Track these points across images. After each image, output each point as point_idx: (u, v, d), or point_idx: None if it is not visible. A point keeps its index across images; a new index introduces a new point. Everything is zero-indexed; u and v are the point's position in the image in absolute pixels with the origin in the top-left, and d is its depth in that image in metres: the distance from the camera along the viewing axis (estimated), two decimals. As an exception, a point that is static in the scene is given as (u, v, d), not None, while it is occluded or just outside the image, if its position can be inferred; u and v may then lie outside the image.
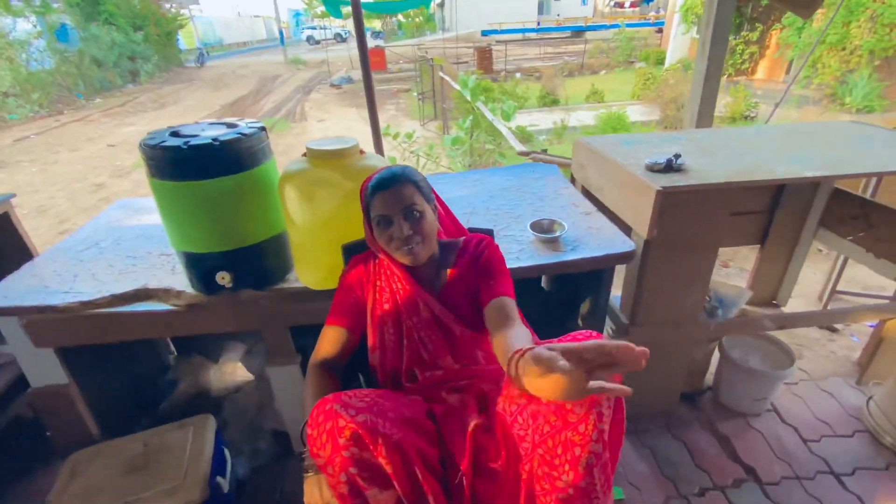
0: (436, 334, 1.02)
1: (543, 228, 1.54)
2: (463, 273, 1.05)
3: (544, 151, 3.83)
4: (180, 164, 1.03)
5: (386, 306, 1.03)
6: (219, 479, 1.46)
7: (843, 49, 8.52)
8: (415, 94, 11.52)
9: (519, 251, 1.45)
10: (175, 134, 1.12)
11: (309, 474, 0.88)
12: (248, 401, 2.04)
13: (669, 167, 1.48)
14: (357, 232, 1.12)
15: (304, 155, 1.18)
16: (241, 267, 1.26)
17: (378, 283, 1.05)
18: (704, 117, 2.56)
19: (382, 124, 3.11)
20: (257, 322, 1.44)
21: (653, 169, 1.50)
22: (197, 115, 11.48)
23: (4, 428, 1.81)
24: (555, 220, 1.56)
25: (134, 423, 1.82)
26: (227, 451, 1.60)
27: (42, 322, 1.37)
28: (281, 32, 28.89)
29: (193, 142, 1.05)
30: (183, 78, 19.75)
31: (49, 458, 1.77)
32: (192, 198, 1.07)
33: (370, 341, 1.05)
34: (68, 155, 8.45)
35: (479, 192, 1.93)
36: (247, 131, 1.14)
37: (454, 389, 0.99)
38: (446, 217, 1.18)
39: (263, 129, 1.21)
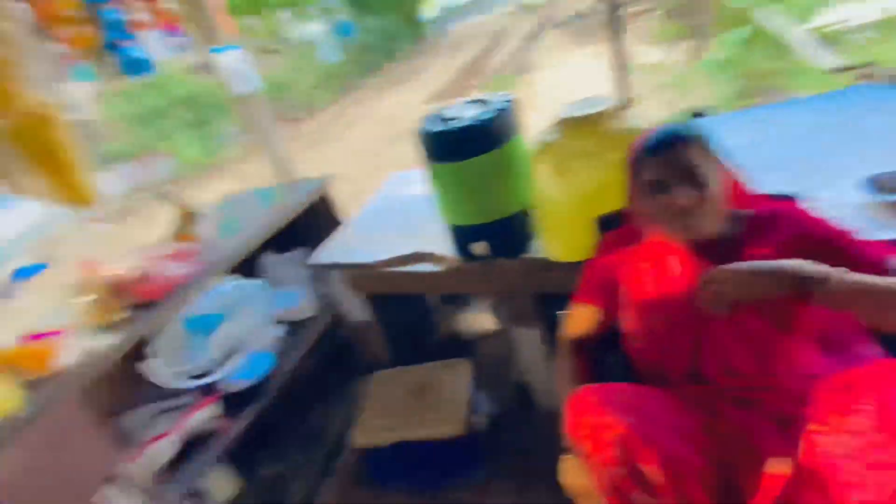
0: (728, 330, 0.83)
1: (890, 187, 1.09)
2: (772, 255, 0.79)
3: (870, 65, 2.65)
4: (447, 146, 1.14)
5: (652, 291, 0.92)
6: (475, 416, 1.68)
7: None
8: (659, 12, 9.81)
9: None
10: (442, 119, 1.23)
11: (569, 457, 0.89)
12: (496, 350, 2.25)
13: None
14: (614, 204, 1.02)
15: (557, 124, 1.13)
16: (495, 237, 1.34)
17: (641, 264, 0.94)
18: None
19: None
20: (506, 287, 1.54)
21: None
22: (441, 79, 12.72)
23: (331, 350, 2.49)
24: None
25: (411, 355, 2.26)
26: (481, 394, 1.82)
27: (355, 275, 1.79)
28: (510, -20, 28.64)
29: (456, 125, 1.13)
30: (428, 50, 22.01)
31: (358, 374, 2.37)
32: (457, 176, 1.18)
33: (629, 326, 0.97)
34: (353, 131, 10.67)
35: (769, 139, 1.49)
36: (501, 106, 1.15)
37: (742, 402, 0.80)
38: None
39: (511, 101, 1.20)
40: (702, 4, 7.29)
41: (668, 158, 0.81)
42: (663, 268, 0.90)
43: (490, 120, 1.13)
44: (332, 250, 1.86)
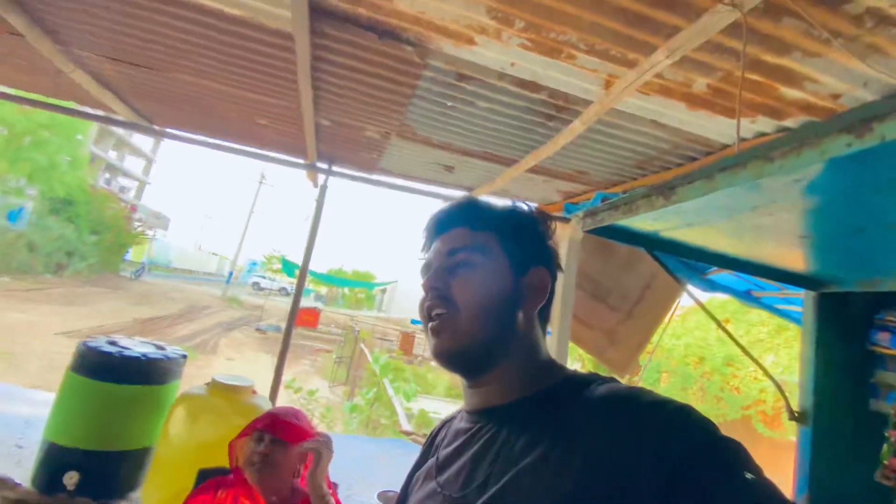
0: None
1: (387, 500, 1.75)
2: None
3: (424, 435, 4.14)
4: (107, 368, 1.31)
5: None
6: None
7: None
8: (334, 357, 12.05)
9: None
10: (112, 343, 1.44)
11: None
12: None
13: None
14: (222, 461, 1.33)
15: (207, 384, 1.49)
16: (93, 471, 1.34)
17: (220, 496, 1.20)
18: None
19: (290, 376, 3.40)
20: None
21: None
22: (104, 321, 11.06)
23: None
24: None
25: None
26: None
27: None
28: (230, 273, 31.08)
29: (126, 353, 1.37)
30: (110, 284, 19.66)
31: None
32: (100, 396, 1.29)
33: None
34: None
35: (348, 456, 2.15)
36: (171, 356, 1.48)
37: None
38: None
39: (185, 356, 1.55)
40: (361, 362, 9.55)
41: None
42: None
43: (158, 360, 1.42)
44: None
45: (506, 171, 2.50)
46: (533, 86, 1.57)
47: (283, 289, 37.48)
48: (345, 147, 2.56)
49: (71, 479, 1.35)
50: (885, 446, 1.12)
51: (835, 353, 1.25)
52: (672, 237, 1.14)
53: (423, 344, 19.36)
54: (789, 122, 1.55)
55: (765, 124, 1.58)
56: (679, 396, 10.26)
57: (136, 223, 26.23)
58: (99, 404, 1.27)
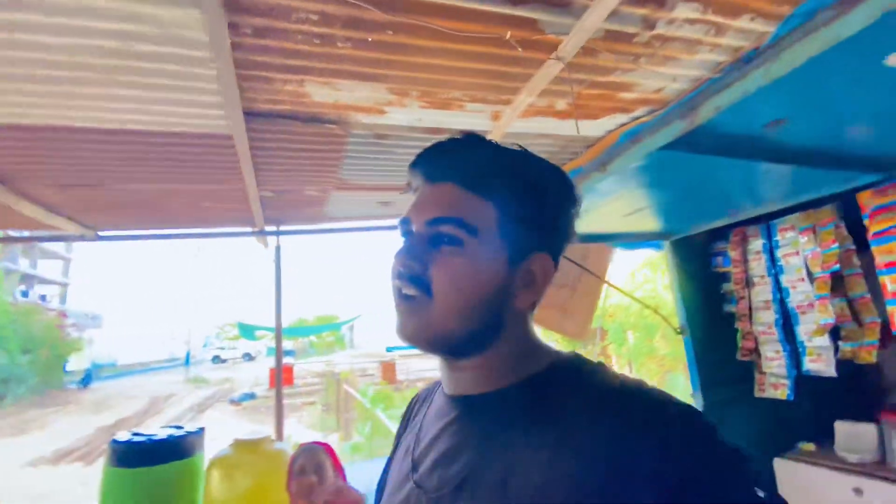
0: None
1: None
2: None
3: None
4: (144, 454, 1.50)
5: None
6: None
7: (655, 356, 11.31)
8: (319, 406, 11.88)
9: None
10: (137, 434, 1.62)
11: None
12: None
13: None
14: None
15: (230, 445, 1.70)
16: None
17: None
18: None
19: (285, 436, 3.55)
20: None
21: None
22: (68, 439, 10.31)
23: None
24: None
25: None
26: None
27: None
28: (188, 353, 29.46)
29: (155, 437, 1.56)
30: (59, 401, 18.15)
31: None
32: (143, 481, 1.47)
33: None
34: None
35: (362, 478, 2.37)
36: (193, 431, 1.68)
37: None
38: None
39: (203, 428, 1.75)
40: (348, 403, 9.55)
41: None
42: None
43: (184, 436, 1.62)
44: None
45: (437, 195, 2.85)
46: (439, 130, 1.93)
47: (246, 354, 35.83)
48: (290, 208, 2.81)
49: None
50: (738, 335, 1.56)
51: (692, 279, 1.70)
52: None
53: (406, 369, 19.35)
54: (638, 112, 2.01)
55: (620, 118, 2.03)
56: (646, 347, 11.06)
57: (70, 329, 24.33)
58: (144, 489, 1.46)
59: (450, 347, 0.53)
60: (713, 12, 1.36)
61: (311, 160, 2.06)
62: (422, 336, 0.52)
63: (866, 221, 1.29)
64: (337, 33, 1.26)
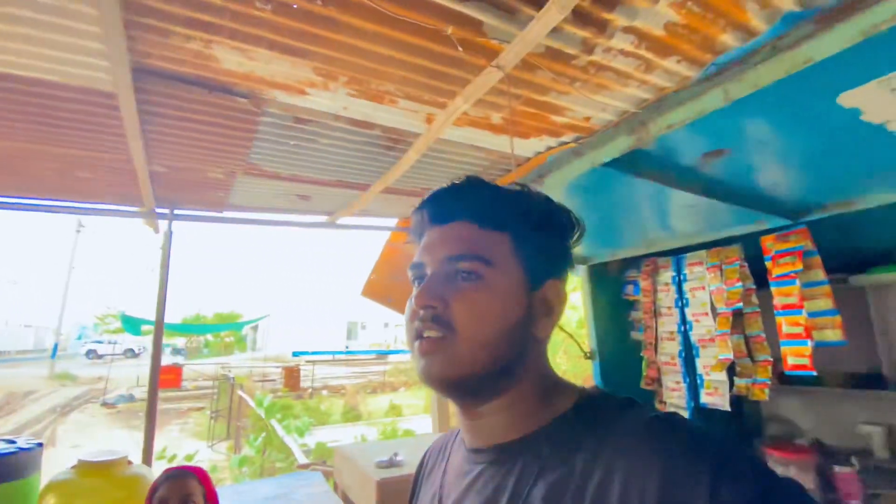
0: None
1: None
2: None
3: (324, 462, 4.09)
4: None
5: None
6: None
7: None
8: (208, 412, 10.82)
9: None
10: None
11: None
12: None
13: (391, 463, 2.04)
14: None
15: (73, 466, 1.39)
16: None
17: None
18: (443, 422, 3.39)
19: (159, 446, 3.11)
20: None
21: (380, 466, 2.04)
22: None
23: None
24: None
25: None
26: None
27: None
28: (56, 344, 25.45)
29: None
30: None
31: None
32: None
33: None
34: None
35: (244, 502, 2.11)
36: (26, 447, 1.34)
37: None
38: None
39: (41, 444, 1.41)
40: (242, 411, 8.78)
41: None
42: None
43: (11, 454, 1.29)
44: None
45: (361, 195, 2.69)
46: (366, 124, 1.79)
47: (129, 350, 31.95)
48: (187, 189, 2.48)
49: None
50: (643, 363, 1.62)
51: (604, 305, 1.75)
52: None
53: (311, 376, 18.44)
54: (565, 138, 2.04)
55: (549, 141, 2.04)
56: (580, 363, 11.59)
57: None
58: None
59: (477, 384, 0.49)
60: (646, 48, 1.40)
61: (215, 136, 1.81)
62: (449, 374, 0.48)
63: (768, 264, 1.39)
64: (256, -9, 1.09)
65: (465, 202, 0.53)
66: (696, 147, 0.93)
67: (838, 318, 1.28)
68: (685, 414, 1.45)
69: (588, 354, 1.68)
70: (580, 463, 0.44)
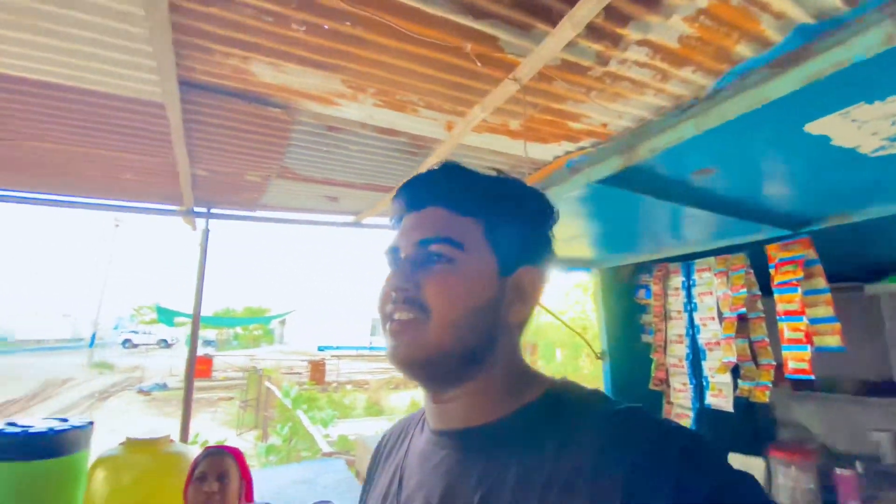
0: None
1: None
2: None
3: (347, 452, 4.26)
4: (15, 447, 1.31)
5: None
6: None
7: (579, 375, 11.88)
8: (237, 402, 11.23)
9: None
10: (12, 424, 1.41)
11: None
12: None
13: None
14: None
15: (121, 443, 1.53)
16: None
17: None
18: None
19: (191, 433, 3.30)
20: None
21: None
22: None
23: None
24: (331, 501, 1.97)
25: None
26: None
27: None
28: (94, 333, 26.74)
29: (31, 430, 1.37)
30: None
31: None
32: (12, 477, 1.28)
33: None
34: None
35: (273, 485, 2.25)
36: (77, 424, 1.50)
37: None
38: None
39: (92, 423, 1.57)
40: (269, 401, 9.09)
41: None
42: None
43: (65, 431, 1.44)
44: None
45: (387, 196, 2.80)
46: (392, 132, 1.89)
47: (163, 341, 33.26)
48: (224, 191, 2.63)
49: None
50: (652, 365, 1.67)
51: (616, 308, 1.80)
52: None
53: (336, 370, 18.82)
54: (583, 143, 2.09)
55: (567, 146, 2.09)
56: (573, 365, 11.52)
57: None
58: (14, 486, 1.29)
59: (445, 367, 0.49)
60: (661, 59, 1.44)
61: (252, 142, 1.94)
62: (417, 356, 0.49)
63: (772, 271, 1.44)
64: (291, 14, 1.19)
65: (439, 188, 0.53)
66: (684, 166, 0.98)
67: (838, 325, 1.32)
68: (690, 414, 1.50)
69: (599, 355, 1.75)
70: (549, 451, 0.44)
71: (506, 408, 0.50)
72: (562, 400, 0.50)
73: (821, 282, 1.36)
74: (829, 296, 1.36)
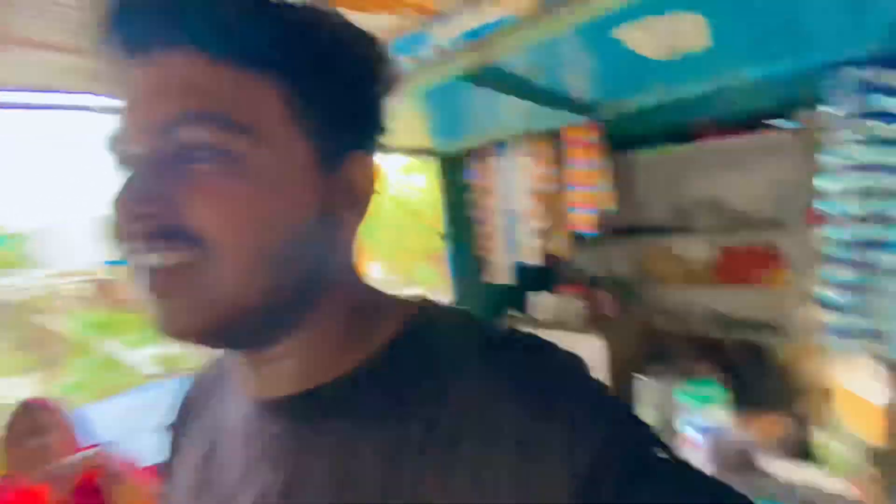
0: None
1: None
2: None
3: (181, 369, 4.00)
4: None
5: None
6: None
7: (404, 250, 12.91)
8: (3, 346, 8.96)
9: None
10: None
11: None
12: None
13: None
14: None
15: None
16: None
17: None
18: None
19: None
20: None
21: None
22: None
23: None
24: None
25: None
26: None
27: None
28: None
29: None
30: None
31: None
32: None
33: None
34: None
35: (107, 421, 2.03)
36: None
37: None
38: None
39: None
40: (51, 338, 7.48)
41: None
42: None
43: None
44: None
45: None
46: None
47: None
48: None
49: None
50: (479, 234, 2.16)
51: (454, 191, 2.12)
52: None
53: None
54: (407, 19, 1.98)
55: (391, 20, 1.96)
56: (397, 242, 12.31)
57: None
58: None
59: (255, 326, 0.32)
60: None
61: None
62: (208, 323, 0.30)
63: (568, 150, 1.86)
64: None
65: (193, 11, 0.28)
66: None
67: (614, 193, 1.87)
68: (507, 271, 2.03)
69: (443, 236, 2.10)
70: (420, 410, 0.32)
71: (356, 355, 0.35)
72: (430, 334, 0.37)
73: (604, 158, 1.82)
74: (607, 169, 1.85)
